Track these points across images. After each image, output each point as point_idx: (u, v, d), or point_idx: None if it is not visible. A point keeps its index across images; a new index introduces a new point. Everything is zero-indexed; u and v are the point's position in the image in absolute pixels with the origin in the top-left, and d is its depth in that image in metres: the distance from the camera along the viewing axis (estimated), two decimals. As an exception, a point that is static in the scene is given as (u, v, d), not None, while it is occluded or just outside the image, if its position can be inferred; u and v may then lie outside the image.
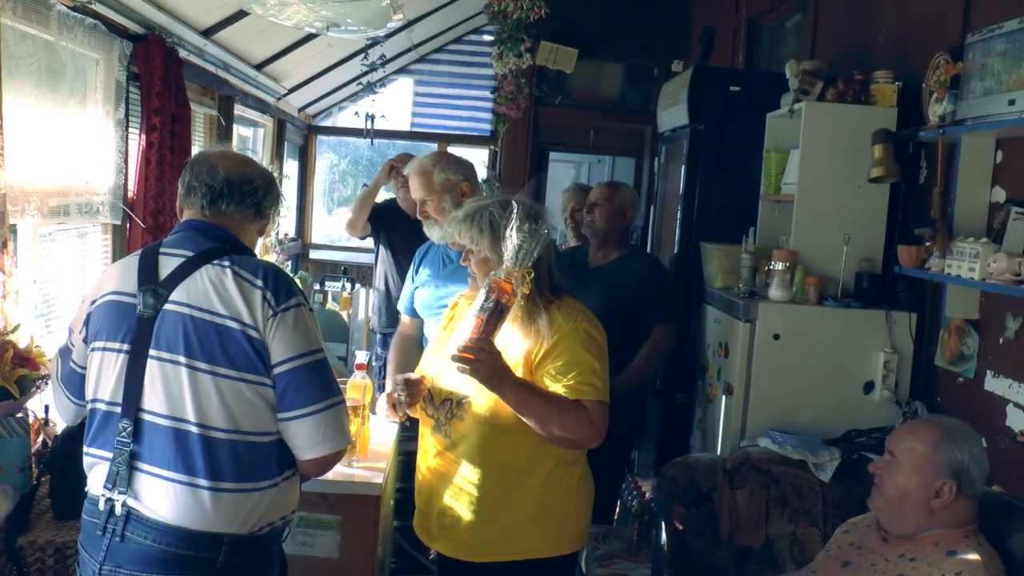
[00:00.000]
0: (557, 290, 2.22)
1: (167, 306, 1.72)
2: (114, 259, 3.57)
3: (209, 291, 1.72)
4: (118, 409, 1.74)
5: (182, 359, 1.71)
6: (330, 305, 5.88)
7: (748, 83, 3.90)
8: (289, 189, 7.00)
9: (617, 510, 3.57)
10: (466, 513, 2.19)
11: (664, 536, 2.78)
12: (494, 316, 2.04)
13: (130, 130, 3.55)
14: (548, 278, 2.19)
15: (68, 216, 3.10)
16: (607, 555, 3.28)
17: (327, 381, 1.76)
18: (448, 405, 2.21)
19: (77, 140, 3.16)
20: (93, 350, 1.80)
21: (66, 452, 2.31)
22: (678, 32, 6.66)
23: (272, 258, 5.70)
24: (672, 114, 4.12)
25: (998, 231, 2.67)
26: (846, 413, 3.06)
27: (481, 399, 2.15)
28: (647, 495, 3.33)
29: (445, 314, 2.46)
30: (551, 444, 2.15)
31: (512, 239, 2.04)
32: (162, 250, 1.81)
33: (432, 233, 3.06)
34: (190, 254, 1.77)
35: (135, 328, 1.73)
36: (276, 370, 1.72)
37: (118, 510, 1.72)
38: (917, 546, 2.08)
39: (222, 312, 1.71)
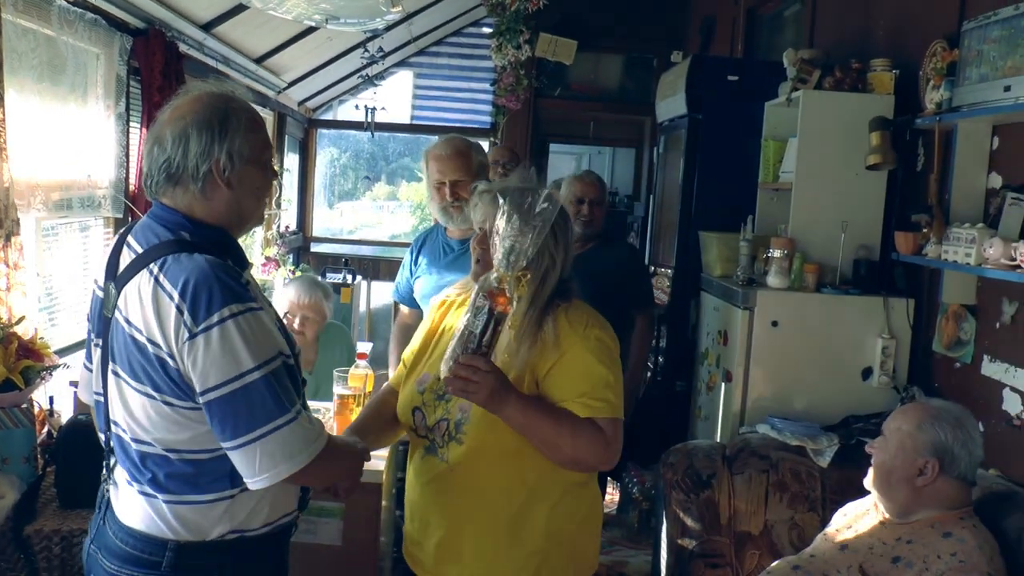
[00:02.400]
0: (566, 292, 1.95)
1: (116, 312, 1.60)
2: (116, 252, 3.59)
3: (137, 304, 1.55)
4: (103, 399, 1.69)
5: (118, 369, 1.60)
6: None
7: (746, 72, 3.92)
8: (290, 183, 7.02)
9: (618, 498, 3.61)
10: (468, 545, 1.94)
11: (664, 522, 2.81)
12: (488, 328, 1.77)
13: (131, 124, 3.57)
14: (558, 279, 1.92)
15: (71, 210, 3.13)
16: (608, 542, 3.31)
17: (259, 407, 1.52)
18: (444, 426, 1.93)
19: (78, 134, 3.18)
20: (89, 336, 1.75)
21: (70, 442, 2.34)
22: (677, 23, 6.67)
23: (272, 252, 5.71)
24: (671, 104, 4.13)
25: (994, 216, 2.69)
26: (844, 399, 3.09)
27: (482, 418, 1.87)
28: (647, 483, 3.36)
29: (432, 312, 2.17)
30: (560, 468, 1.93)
31: (504, 238, 1.81)
32: (128, 239, 1.65)
33: (457, 219, 2.94)
34: (140, 250, 1.60)
35: (104, 326, 1.65)
36: (200, 399, 1.53)
37: (106, 495, 1.72)
38: (913, 528, 2.11)
39: (143, 331, 1.54)
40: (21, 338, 2.42)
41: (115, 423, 1.64)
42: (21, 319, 2.50)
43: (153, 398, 1.56)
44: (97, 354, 1.68)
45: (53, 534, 2.23)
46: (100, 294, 1.67)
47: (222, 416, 1.52)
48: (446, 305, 2.12)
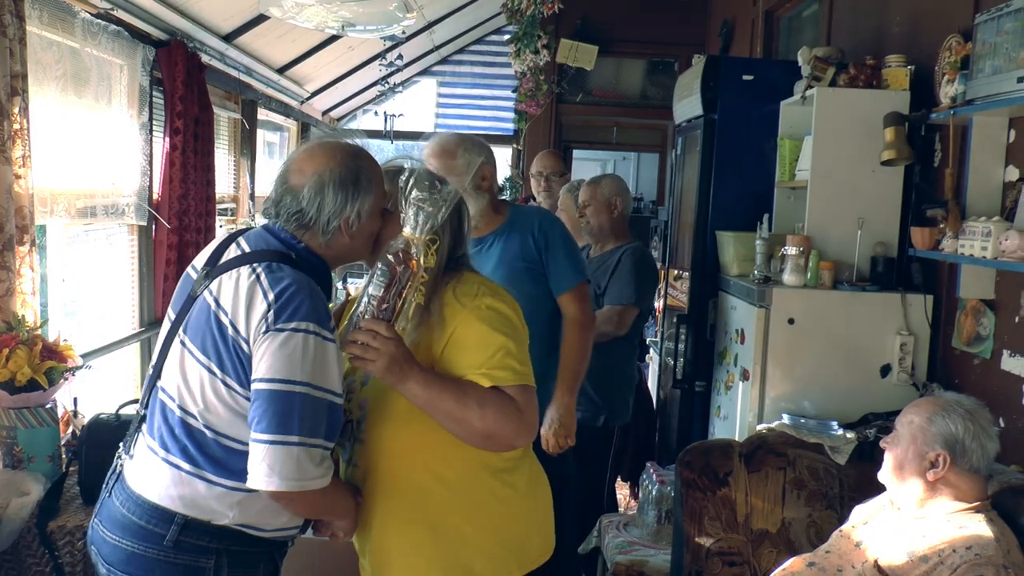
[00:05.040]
0: (458, 265, 1.88)
1: (205, 291, 1.71)
2: (140, 260, 3.67)
3: (231, 290, 1.67)
4: (154, 371, 1.78)
5: (187, 339, 1.70)
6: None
7: (761, 72, 3.90)
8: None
9: (638, 498, 3.60)
10: (395, 550, 1.86)
11: (681, 521, 2.80)
12: (391, 293, 1.69)
13: (154, 133, 3.65)
14: (450, 251, 1.85)
15: (95, 217, 3.20)
16: (627, 543, 3.30)
17: (291, 417, 1.58)
18: (349, 427, 1.84)
19: (103, 143, 3.25)
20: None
21: (93, 441, 2.40)
22: (697, 26, 6.67)
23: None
24: (687, 105, 4.13)
25: (1011, 209, 2.67)
26: (863, 396, 3.07)
27: (375, 411, 1.81)
28: (666, 482, 3.35)
29: (345, 312, 2.08)
30: (481, 453, 1.81)
31: (412, 202, 1.74)
32: (239, 238, 1.78)
33: None
34: (248, 250, 1.73)
35: (185, 302, 1.75)
36: (252, 386, 1.63)
37: (119, 469, 1.78)
38: (929, 523, 2.10)
39: (228, 313, 1.65)
40: (45, 340, 2.49)
41: (163, 390, 1.72)
42: (45, 322, 2.56)
43: (213, 373, 1.65)
44: (167, 329, 1.77)
45: (76, 530, 2.28)
46: (194, 275, 1.77)
47: (257, 406, 1.61)
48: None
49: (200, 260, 1.81)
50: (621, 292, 3.53)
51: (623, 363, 3.64)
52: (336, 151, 1.76)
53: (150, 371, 1.80)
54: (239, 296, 1.65)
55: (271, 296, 1.62)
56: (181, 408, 1.68)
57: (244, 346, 1.63)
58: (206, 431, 1.67)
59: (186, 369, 1.68)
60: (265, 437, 1.59)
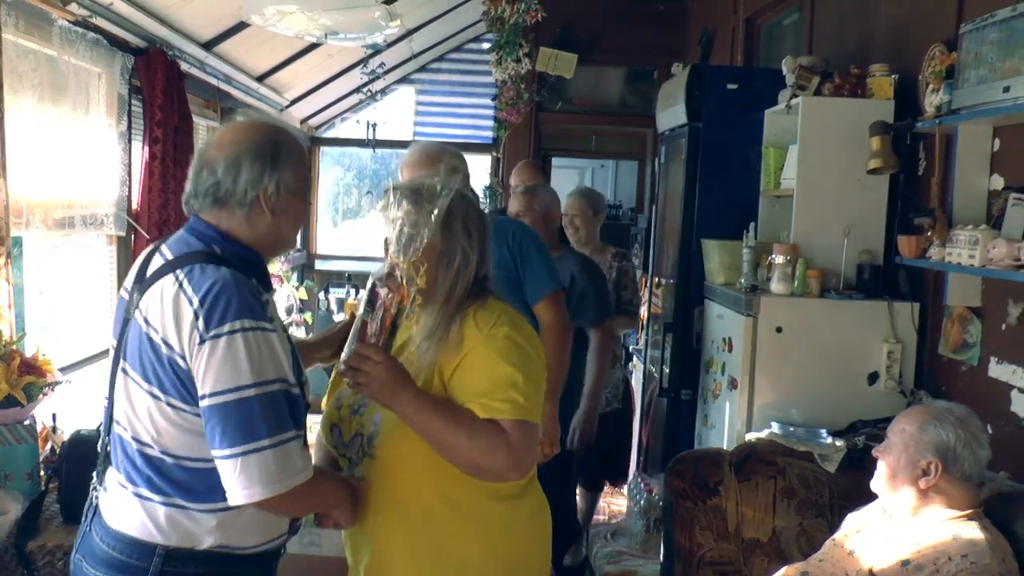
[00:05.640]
0: (482, 290, 1.85)
1: (135, 311, 1.64)
2: (119, 271, 3.61)
3: (158, 305, 1.59)
4: (109, 400, 1.72)
5: (128, 367, 1.64)
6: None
7: (746, 81, 3.91)
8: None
9: (626, 508, 3.59)
10: (396, 568, 1.84)
11: (671, 531, 2.79)
12: (378, 317, 1.70)
13: (133, 142, 3.59)
14: (473, 277, 1.82)
15: (73, 228, 3.14)
16: (616, 552, 3.29)
17: (251, 423, 1.53)
18: (359, 441, 1.85)
19: (81, 153, 3.20)
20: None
21: (73, 458, 2.34)
22: (677, 34, 6.69)
23: (276, 268, 5.72)
24: (671, 114, 4.13)
25: (997, 218, 2.68)
26: (851, 404, 3.07)
27: (392, 429, 1.79)
28: (654, 491, 3.34)
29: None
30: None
31: (397, 223, 1.73)
32: (161, 247, 1.71)
33: None
34: (170, 257, 1.66)
35: (123, 327, 1.68)
36: (200, 403, 1.56)
37: (95, 502, 1.73)
38: (922, 530, 2.10)
39: (159, 331, 1.58)
40: (23, 355, 2.43)
41: (117, 422, 1.66)
42: (22, 336, 2.50)
43: (158, 398, 1.59)
44: (112, 357, 1.71)
45: (56, 549, 2.23)
46: (126, 296, 1.71)
47: (213, 423, 1.54)
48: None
49: (129, 279, 1.73)
50: (598, 310, 3.54)
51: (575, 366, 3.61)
52: (256, 125, 1.71)
53: (106, 401, 1.73)
54: (165, 309, 1.57)
55: (196, 302, 1.55)
56: (136, 439, 1.63)
57: (181, 362, 1.56)
58: (165, 458, 1.61)
59: (132, 398, 1.63)
60: (233, 451, 1.53)
